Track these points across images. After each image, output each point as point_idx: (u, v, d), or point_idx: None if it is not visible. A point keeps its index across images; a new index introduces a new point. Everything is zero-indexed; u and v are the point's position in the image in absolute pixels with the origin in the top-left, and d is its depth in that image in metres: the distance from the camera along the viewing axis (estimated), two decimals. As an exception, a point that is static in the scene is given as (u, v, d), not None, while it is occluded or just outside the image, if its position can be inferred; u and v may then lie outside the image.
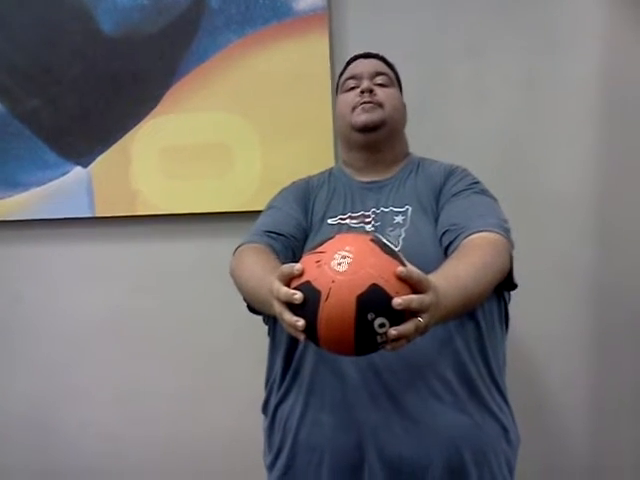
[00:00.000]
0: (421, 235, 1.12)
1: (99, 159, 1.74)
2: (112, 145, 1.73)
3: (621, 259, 1.65)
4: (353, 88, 1.26)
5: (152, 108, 1.70)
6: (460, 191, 1.16)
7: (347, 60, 1.35)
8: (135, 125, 1.71)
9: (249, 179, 1.69)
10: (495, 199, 1.17)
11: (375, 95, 1.22)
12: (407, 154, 1.32)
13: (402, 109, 1.29)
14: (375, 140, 1.24)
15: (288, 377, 1.15)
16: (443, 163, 1.27)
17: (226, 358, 1.80)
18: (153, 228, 1.78)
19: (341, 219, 1.20)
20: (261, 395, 1.24)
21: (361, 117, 1.21)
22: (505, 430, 1.10)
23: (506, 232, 1.05)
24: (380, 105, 1.22)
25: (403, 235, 1.12)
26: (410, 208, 1.17)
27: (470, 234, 1.02)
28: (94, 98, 1.72)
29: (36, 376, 1.90)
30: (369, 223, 1.16)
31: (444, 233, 1.09)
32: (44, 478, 1.92)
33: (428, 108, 1.60)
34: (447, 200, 1.16)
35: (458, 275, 0.90)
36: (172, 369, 1.83)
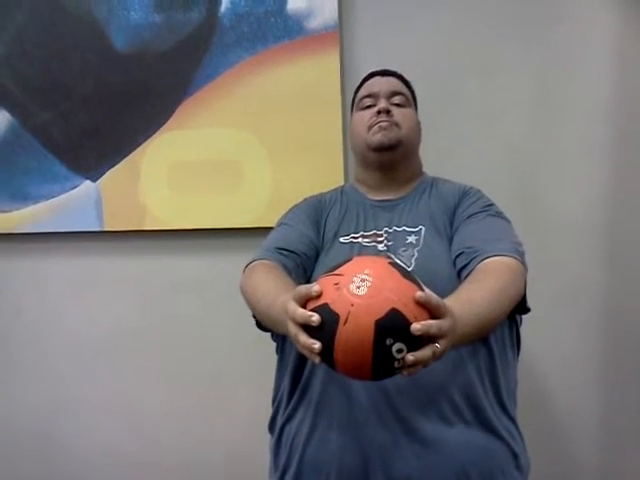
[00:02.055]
0: (434, 256, 1.11)
1: (108, 174, 1.74)
2: (122, 160, 1.74)
3: (632, 283, 1.63)
4: (370, 106, 1.26)
5: (162, 124, 1.70)
6: (475, 213, 1.15)
7: (364, 76, 1.35)
8: (145, 140, 1.72)
9: (258, 196, 1.68)
10: (509, 221, 1.17)
11: (392, 115, 1.23)
12: (421, 173, 1.33)
13: (417, 129, 1.30)
14: (391, 160, 1.24)
15: (296, 395, 1.14)
16: (457, 183, 1.27)
17: (232, 375, 1.78)
18: (161, 243, 1.78)
19: (353, 237, 1.19)
20: (267, 413, 1.23)
21: (377, 136, 1.22)
22: (515, 456, 1.08)
23: (521, 256, 1.04)
24: (396, 125, 1.22)
25: (416, 255, 1.11)
26: (423, 228, 1.16)
27: (485, 258, 1.01)
28: (105, 113, 1.72)
29: (38, 388, 1.89)
30: (381, 242, 1.16)
31: (458, 255, 1.08)
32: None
33: (437, 126, 1.59)
34: (461, 222, 1.15)
35: (473, 300, 0.89)
36: (176, 385, 1.82)
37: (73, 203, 1.77)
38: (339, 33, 1.59)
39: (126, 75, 1.70)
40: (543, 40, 1.58)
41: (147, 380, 1.84)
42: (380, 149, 1.22)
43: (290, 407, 1.15)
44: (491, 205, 1.19)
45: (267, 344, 1.23)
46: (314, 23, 1.59)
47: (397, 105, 1.25)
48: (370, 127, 1.23)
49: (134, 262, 1.81)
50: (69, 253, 1.83)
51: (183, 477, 1.84)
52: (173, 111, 1.69)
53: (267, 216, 1.62)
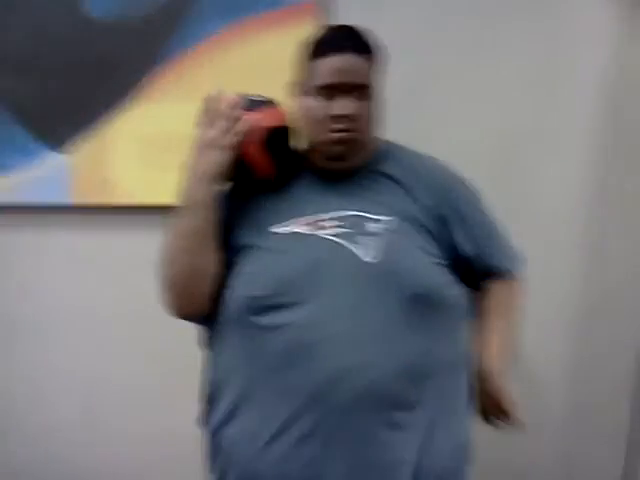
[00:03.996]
0: (404, 249, 1.04)
1: (78, 146, 1.69)
2: (92, 132, 1.69)
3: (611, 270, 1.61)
4: (326, 96, 1.05)
5: (134, 96, 1.65)
6: (471, 211, 1.14)
7: (314, 43, 1.09)
8: (116, 112, 1.67)
9: (231, 172, 1.64)
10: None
11: (352, 119, 1.05)
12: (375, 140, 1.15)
13: (376, 115, 1.11)
14: (340, 166, 1.10)
15: (236, 395, 1.04)
16: (429, 160, 1.17)
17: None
18: (132, 219, 1.73)
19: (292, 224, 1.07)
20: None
21: (336, 149, 1.07)
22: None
23: (519, 265, 1.19)
24: (356, 131, 1.06)
25: (381, 246, 1.02)
26: (391, 216, 1.06)
27: (498, 274, 1.16)
28: (76, 83, 1.67)
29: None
30: (332, 228, 1.04)
31: (467, 260, 1.11)
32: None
33: (421, 104, 1.56)
34: (458, 220, 1.10)
35: (506, 344, 1.15)
36: (148, 362, 1.77)
37: (40, 175, 1.72)
38: (316, 4, 1.56)
39: (98, 44, 1.65)
40: (529, 22, 1.55)
41: (113, 356, 1.79)
42: (331, 159, 1.10)
43: (228, 407, 1.05)
44: (479, 199, 1.17)
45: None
46: (296, -8, 1.54)
47: (357, 98, 1.05)
48: (328, 129, 1.06)
49: (103, 237, 1.76)
50: (36, 226, 1.77)
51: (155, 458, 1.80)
52: (145, 83, 1.64)
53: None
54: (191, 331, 1.18)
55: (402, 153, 1.18)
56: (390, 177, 1.11)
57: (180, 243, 1.04)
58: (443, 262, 1.08)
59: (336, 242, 1.02)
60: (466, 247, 1.11)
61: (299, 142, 1.14)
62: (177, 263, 1.05)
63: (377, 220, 1.04)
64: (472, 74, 1.57)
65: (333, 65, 1.04)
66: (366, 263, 1.00)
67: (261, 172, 1.08)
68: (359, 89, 1.05)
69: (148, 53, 1.63)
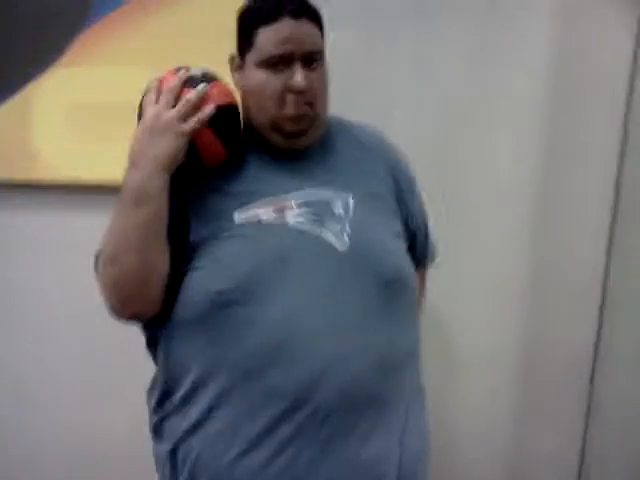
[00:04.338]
0: (372, 230, 0.98)
1: (-6, 112, 1.49)
2: (11, 96, 1.48)
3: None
4: (279, 68, 0.95)
5: (59, 56, 1.46)
6: (414, 193, 1.12)
7: (257, 8, 0.98)
8: (38, 75, 1.47)
9: (171, 146, 1.48)
10: None
11: (308, 94, 0.96)
12: None
13: (328, 88, 1.03)
14: (297, 142, 1.00)
15: (208, 400, 0.93)
16: (372, 131, 1.12)
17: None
18: (55, 197, 1.54)
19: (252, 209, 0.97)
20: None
21: (290, 126, 0.97)
22: None
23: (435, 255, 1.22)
24: (312, 106, 0.97)
25: (348, 231, 0.95)
26: (353, 194, 1.00)
27: (423, 262, 1.18)
28: (-10, 39, 1.46)
29: None
30: (296, 210, 0.95)
31: (412, 235, 1.10)
32: None
33: (365, 75, 1.47)
34: (409, 191, 1.09)
35: None
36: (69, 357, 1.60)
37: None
38: None
39: (15, -3, 1.44)
40: None
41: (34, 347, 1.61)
42: (287, 136, 0.99)
43: (194, 415, 0.95)
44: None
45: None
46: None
47: (311, 68, 0.96)
48: (281, 104, 0.95)
49: (24, 217, 1.56)
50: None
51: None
52: (72, 42, 1.45)
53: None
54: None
55: (345, 126, 1.10)
56: (342, 152, 1.05)
57: (127, 239, 0.91)
58: (404, 240, 1.06)
59: (303, 227, 0.94)
60: (417, 219, 1.11)
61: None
62: (124, 262, 0.91)
63: (341, 200, 0.98)
64: (422, 36, 1.50)
65: (285, 31, 0.94)
66: (336, 250, 0.94)
67: (212, 157, 0.96)
68: (313, 58, 0.96)
69: (76, 8, 1.44)
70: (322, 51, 0.98)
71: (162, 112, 0.90)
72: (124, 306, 0.95)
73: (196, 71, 0.96)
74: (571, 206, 1.57)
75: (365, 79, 1.47)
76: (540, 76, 1.51)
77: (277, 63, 0.94)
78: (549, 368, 1.63)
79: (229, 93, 0.97)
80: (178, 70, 0.95)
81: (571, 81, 1.52)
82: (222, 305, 0.90)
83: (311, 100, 0.96)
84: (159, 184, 0.90)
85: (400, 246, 1.03)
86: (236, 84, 1.01)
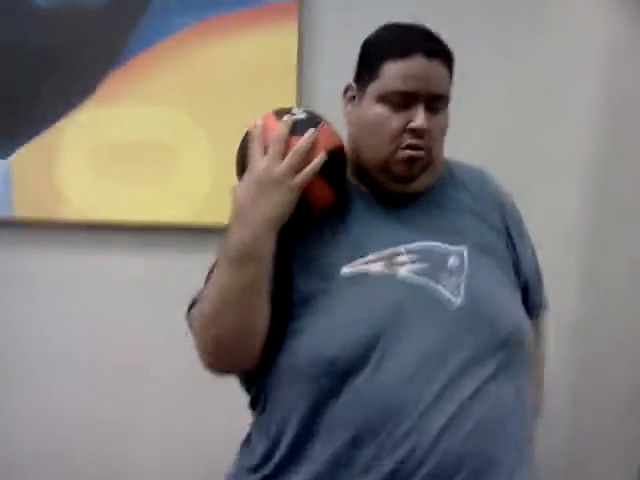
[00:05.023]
0: (487, 284, 0.92)
1: (21, 150, 1.48)
2: (38, 136, 1.48)
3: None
4: (401, 106, 0.89)
5: (87, 96, 1.45)
6: (523, 236, 1.03)
7: (387, 40, 0.93)
8: (65, 114, 1.46)
9: (196, 187, 1.48)
10: None
11: (428, 137, 0.89)
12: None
13: (445, 135, 0.97)
14: (408, 188, 0.94)
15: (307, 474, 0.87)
16: (480, 175, 1.05)
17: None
18: (80, 237, 1.53)
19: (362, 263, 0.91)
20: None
21: (402, 168, 0.90)
22: None
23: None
24: (429, 152, 0.91)
25: (466, 285, 0.89)
26: (467, 246, 0.93)
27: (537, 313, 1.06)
28: (20, 79, 1.47)
29: None
30: (404, 265, 0.89)
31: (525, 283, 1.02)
32: None
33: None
34: (520, 237, 1.01)
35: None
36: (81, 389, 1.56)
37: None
38: (298, 4, 1.40)
39: (47, 35, 1.45)
40: (520, 43, 1.48)
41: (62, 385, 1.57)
42: (398, 180, 0.93)
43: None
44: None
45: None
46: (273, -12, 1.37)
47: (435, 111, 0.90)
48: (396, 145, 0.89)
49: (47, 256, 1.54)
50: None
51: None
52: (100, 82, 1.45)
53: (205, 211, 1.45)
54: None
55: (459, 170, 1.03)
56: (455, 199, 0.98)
57: (228, 298, 0.86)
58: (517, 290, 0.99)
59: (418, 283, 0.88)
60: (528, 265, 1.02)
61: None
62: (223, 321, 0.87)
63: (455, 252, 0.92)
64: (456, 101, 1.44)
65: (415, 69, 0.88)
66: (454, 307, 0.88)
67: (321, 203, 0.89)
68: (438, 101, 0.90)
69: (106, 48, 1.44)
70: (447, 96, 0.92)
71: (272, 165, 0.83)
72: (219, 362, 0.91)
73: (300, 114, 0.88)
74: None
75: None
76: (583, 131, 1.50)
77: (399, 101, 0.88)
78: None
79: (335, 134, 0.90)
80: (279, 114, 0.88)
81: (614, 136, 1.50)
82: (331, 373, 0.85)
83: (429, 145, 0.90)
84: (268, 245, 0.84)
85: (515, 299, 0.96)
86: (347, 116, 0.95)
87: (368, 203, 0.95)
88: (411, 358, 0.84)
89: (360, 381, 0.83)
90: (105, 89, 1.45)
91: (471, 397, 0.84)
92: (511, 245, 0.99)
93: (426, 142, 0.89)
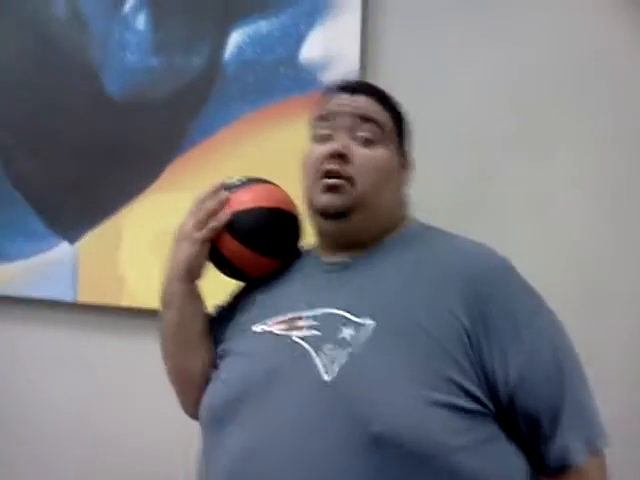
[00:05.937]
0: (378, 368, 0.74)
1: (88, 236, 1.51)
2: (103, 221, 1.50)
3: None
4: (326, 139, 0.85)
5: (150, 183, 1.45)
6: (530, 335, 0.76)
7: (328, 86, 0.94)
8: (129, 201, 1.47)
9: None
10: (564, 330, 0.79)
11: (347, 162, 0.82)
12: (400, 220, 0.90)
13: (390, 173, 0.87)
14: (341, 229, 0.86)
15: None
16: (466, 245, 0.84)
17: None
18: (138, 323, 1.50)
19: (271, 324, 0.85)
20: None
21: (323, 199, 0.84)
22: None
23: (601, 450, 0.75)
24: (350, 181, 0.82)
25: (347, 361, 0.75)
26: (383, 320, 0.76)
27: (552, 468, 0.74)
28: (90, 166, 1.52)
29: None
30: (305, 329, 0.81)
31: (527, 429, 0.74)
32: None
33: (479, 208, 1.25)
34: (499, 351, 0.74)
35: None
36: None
37: (48, 266, 1.55)
38: None
39: (117, 125, 1.48)
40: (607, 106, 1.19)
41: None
42: (325, 215, 0.85)
43: None
44: (541, 305, 0.79)
45: None
46: (330, 74, 1.29)
47: (362, 142, 0.84)
48: (319, 175, 0.84)
49: (106, 340, 1.54)
50: (38, 321, 1.60)
51: None
52: (163, 169, 1.44)
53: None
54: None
55: (447, 240, 0.87)
56: (404, 268, 0.82)
57: (164, 346, 0.95)
58: (462, 398, 0.72)
59: (301, 351, 0.79)
60: (525, 384, 0.74)
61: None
62: (167, 366, 0.96)
63: (357, 324, 0.77)
64: (536, 178, 1.23)
65: (335, 99, 0.87)
66: (323, 382, 0.75)
67: (250, 266, 0.90)
68: (367, 124, 0.84)
69: (169, 137, 1.44)
70: (382, 123, 0.85)
71: (186, 221, 0.90)
72: (182, 405, 0.97)
73: (233, 179, 0.92)
74: None
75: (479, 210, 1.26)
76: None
77: (324, 133, 0.86)
78: None
79: (273, 198, 0.90)
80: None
81: None
82: (212, 421, 0.85)
83: (348, 173, 0.82)
84: (176, 291, 0.89)
85: (424, 398, 0.71)
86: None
87: (313, 265, 0.90)
88: (263, 425, 0.78)
89: (222, 436, 0.82)
90: (167, 176, 1.44)
91: None
92: (479, 344, 0.74)
93: (345, 169, 0.82)
